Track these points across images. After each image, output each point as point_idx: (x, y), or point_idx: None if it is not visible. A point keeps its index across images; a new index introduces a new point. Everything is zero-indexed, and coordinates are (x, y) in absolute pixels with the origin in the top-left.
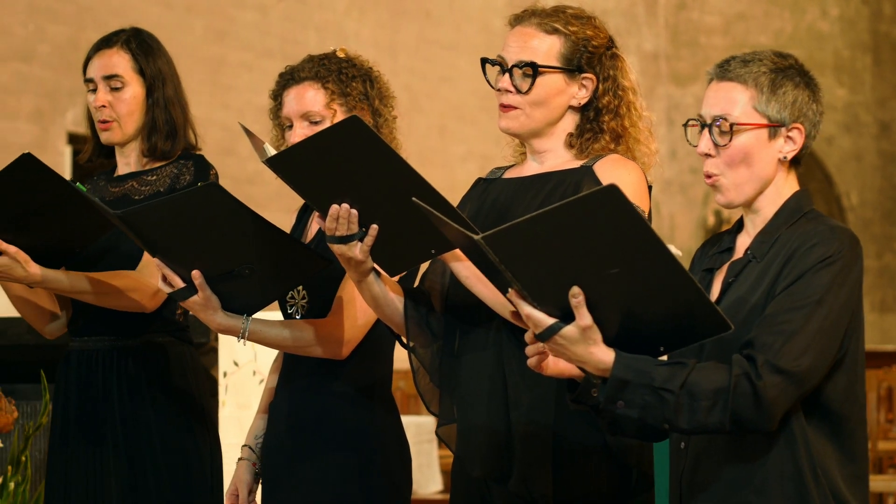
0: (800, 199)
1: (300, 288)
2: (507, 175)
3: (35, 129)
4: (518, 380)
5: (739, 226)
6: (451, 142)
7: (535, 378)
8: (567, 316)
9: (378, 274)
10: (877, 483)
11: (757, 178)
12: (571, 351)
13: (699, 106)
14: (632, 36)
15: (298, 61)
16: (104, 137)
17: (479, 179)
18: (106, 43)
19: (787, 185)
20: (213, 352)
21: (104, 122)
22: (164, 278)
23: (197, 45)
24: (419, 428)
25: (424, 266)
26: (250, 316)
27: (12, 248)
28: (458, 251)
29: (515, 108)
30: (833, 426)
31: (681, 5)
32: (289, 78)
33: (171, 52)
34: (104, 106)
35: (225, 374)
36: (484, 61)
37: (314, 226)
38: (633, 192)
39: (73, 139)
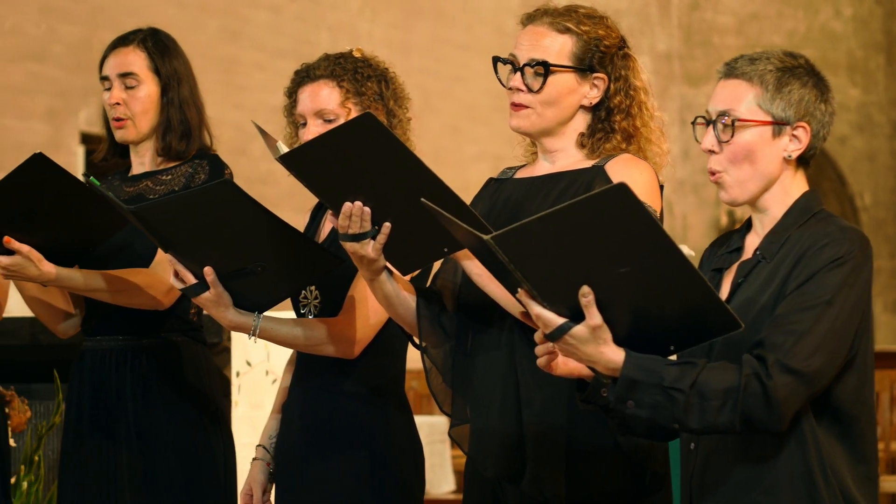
0: (809, 199)
1: (313, 288)
2: (519, 175)
3: (48, 128)
4: (530, 380)
5: (748, 225)
6: (464, 142)
7: (547, 378)
8: (577, 315)
9: (390, 273)
10: (890, 483)
11: (760, 176)
12: (581, 351)
13: None
14: (645, 36)
15: (312, 61)
16: (118, 135)
17: (491, 179)
18: (122, 41)
19: (794, 185)
20: (226, 352)
21: (118, 119)
22: (177, 274)
23: (210, 45)
24: (432, 428)
25: (436, 265)
26: (262, 313)
27: (25, 247)
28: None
29: (527, 107)
30: (843, 427)
31: (694, 5)
32: (304, 76)
33: (185, 52)
34: (118, 104)
35: (238, 374)
36: (496, 60)
37: (327, 225)
38: (645, 191)
39: (86, 139)
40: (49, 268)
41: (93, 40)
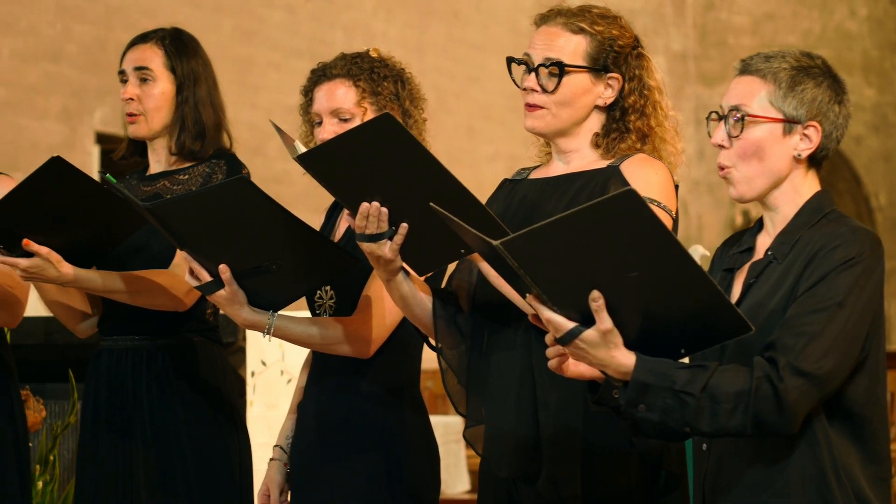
0: (821, 200)
1: (328, 288)
2: (533, 175)
3: (63, 128)
4: (547, 380)
5: (760, 225)
6: (479, 142)
7: (563, 379)
8: (587, 319)
9: (407, 273)
10: None
11: (769, 173)
12: (592, 355)
13: None
14: (660, 36)
15: (328, 60)
16: (130, 131)
17: (506, 180)
18: (142, 38)
19: (806, 185)
20: (241, 351)
21: (131, 114)
22: (192, 272)
23: (225, 45)
24: (447, 428)
25: (451, 266)
26: (276, 312)
27: (44, 249)
28: None
29: (541, 107)
30: (855, 428)
31: (709, 5)
32: (320, 74)
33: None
34: (132, 99)
35: (253, 374)
36: (510, 61)
37: (343, 224)
38: (660, 191)
39: (102, 139)
40: (68, 269)
41: (108, 40)
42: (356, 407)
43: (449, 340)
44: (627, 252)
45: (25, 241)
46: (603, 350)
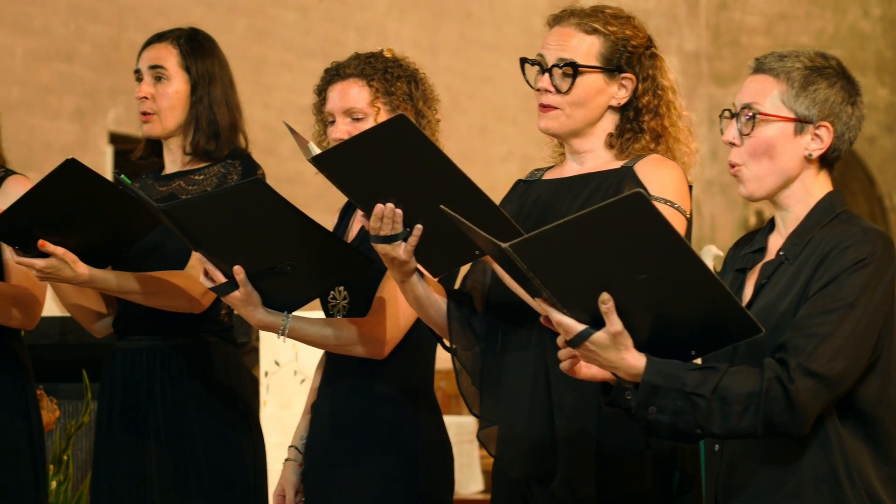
0: (833, 200)
1: (341, 289)
2: (547, 176)
3: (76, 128)
4: (561, 381)
5: (771, 225)
6: (492, 142)
7: (578, 379)
8: (597, 322)
9: (421, 274)
10: None
11: (779, 172)
12: (602, 357)
13: None
14: (673, 36)
15: (341, 61)
16: (144, 130)
17: (519, 181)
18: (158, 38)
19: (817, 185)
20: (255, 351)
21: (145, 113)
22: (206, 273)
23: (238, 45)
24: (460, 428)
25: (465, 268)
26: (291, 313)
27: (60, 250)
28: None
29: (555, 108)
30: (868, 428)
31: (722, 5)
32: (334, 74)
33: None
34: (146, 98)
35: (266, 374)
36: (523, 61)
37: (356, 225)
38: (674, 192)
39: (115, 139)
40: (83, 269)
41: (121, 40)
42: (370, 408)
43: (463, 341)
44: (636, 254)
45: (41, 241)
46: (613, 352)
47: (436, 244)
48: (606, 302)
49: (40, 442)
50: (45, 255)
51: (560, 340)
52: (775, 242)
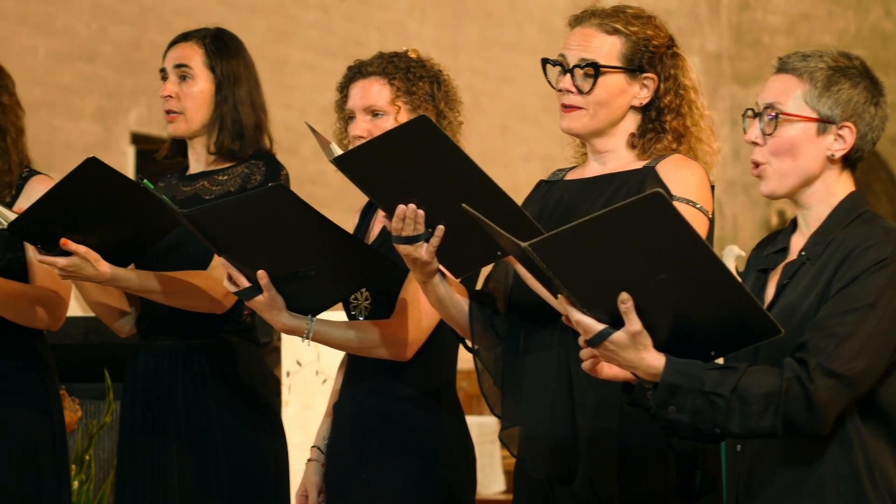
0: (855, 200)
1: (363, 289)
2: (569, 176)
3: (98, 128)
4: (584, 381)
5: (794, 226)
6: (513, 142)
7: (600, 379)
8: (617, 321)
9: (443, 275)
10: None
11: (801, 172)
12: (622, 356)
13: None
14: (695, 36)
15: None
16: (169, 129)
17: (541, 182)
18: (184, 37)
19: (839, 185)
20: (277, 351)
21: (169, 112)
22: (230, 278)
23: (259, 45)
24: (482, 428)
25: (487, 269)
26: (315, 316)
27: (82, 248)
28: None
29: (578, 108)
30: (889, 428)
31: (744, 5)
32: (356, 71)
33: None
34: (171, 96)
35: (288, 374)
36: (545, 62)
37: (378, 225)
38: (697, 192)
39: (137, 139)
40: (105, 267)
41: (142, 40)
42: (392, 409)
43: (485, 342)
44: (655, 254)
45: (63, 240)
46: (632, 352)
47: (458, 245)
48: (626, 301)
49: (62, 441)
50: (68, 253)
51: (581, 340)
52: (797, 243)
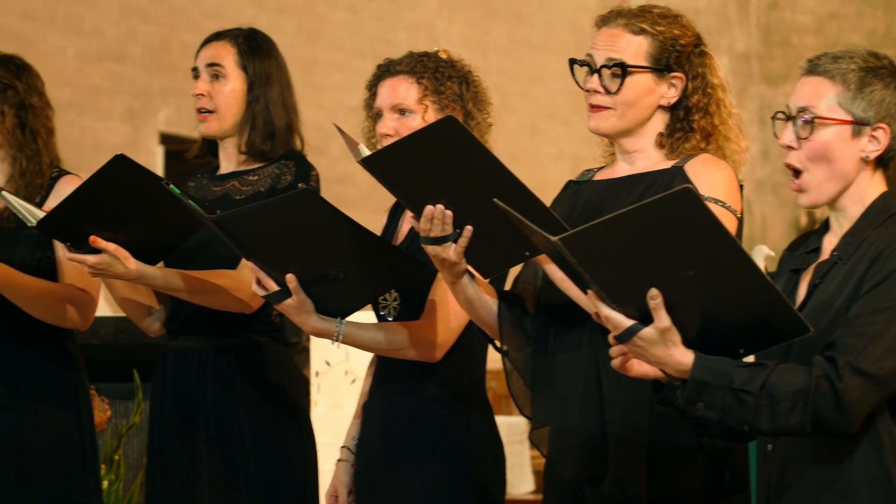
0: (887, 201)
1: (392, 290)
2: (598, 177)
3: (127, 129)
4: (614, 381)
5: (826, 226)
6: (542, 142)
7: (630, 378)
8: (646, 317)
9: (472, 276)
10: None
11: (838, 176)
12: (650, 353)
13: None
14: (723, 36)
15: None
16: (201, 129)
17: (570, 182)
18: (217, 36)
19: (872, 186)
20: (305, 352)
21: (201, 111)
22: (259, 281)
23: (289, 45)
24: (511, 428)
25: (515, 269)
26: (344, 319)
27: (112, 246)
28: None
29: (605, 108)
30: None
31: (773, 5)
32: (385, 70)
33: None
34: (202, 95)
35: (317, 374)
36: (572, 62)
37: (406, 225)
38: (725, 191)
39: (166, 139)
40: (134, 265)
41: (171, 41)
42: (421, 410)
43: (514, 342)
44: (685, 251)
45: (93, 237)
46: (661, 348)
47: (486, 245)
48: (655, 297)
49: (92, 441)
50: (97, 251)
51: (611, 337)
52: (830, 243)
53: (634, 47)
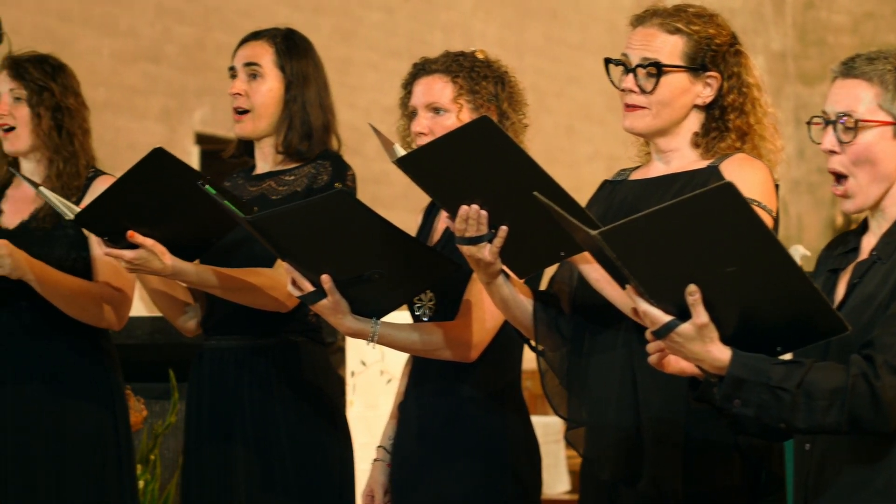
0: None
1: (427, 290)
2: (634, 176)
3: (163, 128)
4: (649, 381)
5: (864, 226)
6: (578, 141)
7: (666, 379)
8: (684, 313)
9: (507, 276)
10: None
11: (882, 178)
12: (688, 349)
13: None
14: (759, 35)
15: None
16: (237, 129)
17: (606, 181)
18: (254, 36)
19: None
20: (341, 351)
21: (237, 111)
22: (294, 282)
23: (324, 45)
24: (546, 428)
25: (550, 270)
26: (379, 319)
27: (149, 241)
28: (587, 253)
29: (641, 107)
30: None
31: (808, 4)
32: (420, 68)
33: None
34: (239, 94)
35: (352, 374)
36: (607, 62)
37: (441, 226)
38: (761, 191)
39: (201, 139)
40: (170, 261)
41: (206, 41)
42: (457, 410)
43: (550, 342)
44: (724, 246)
45: (130, 232)
46: (698, 344)
47: (521, 245)
48: (693, 293)
49: (128, 441)
50: (134, 246)
51: (648, 333)
52: (868, 243)
53: (670, 47)
